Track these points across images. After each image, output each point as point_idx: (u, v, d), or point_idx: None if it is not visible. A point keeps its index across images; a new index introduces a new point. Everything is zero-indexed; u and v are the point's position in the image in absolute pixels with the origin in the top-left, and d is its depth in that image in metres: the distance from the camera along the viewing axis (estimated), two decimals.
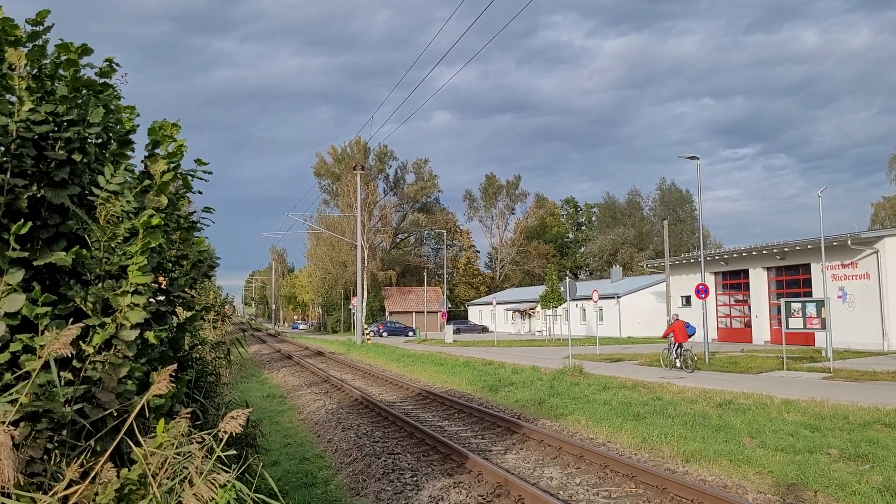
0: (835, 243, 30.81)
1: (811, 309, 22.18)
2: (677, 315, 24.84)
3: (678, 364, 22.39)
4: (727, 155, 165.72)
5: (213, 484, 2.86)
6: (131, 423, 2.93)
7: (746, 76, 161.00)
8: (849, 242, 30.83)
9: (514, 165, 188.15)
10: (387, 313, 77.26)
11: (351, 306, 63.14)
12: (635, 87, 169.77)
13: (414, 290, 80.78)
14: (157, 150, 3.76)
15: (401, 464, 10.29)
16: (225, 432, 3.06)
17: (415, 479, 9.37)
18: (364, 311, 56.65)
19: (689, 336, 22.73)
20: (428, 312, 69.74)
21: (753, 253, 37.26)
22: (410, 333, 62.46)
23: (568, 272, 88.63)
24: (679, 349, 22.66)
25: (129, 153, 3.65)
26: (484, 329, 69.04)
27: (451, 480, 9.16)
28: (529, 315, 64.64)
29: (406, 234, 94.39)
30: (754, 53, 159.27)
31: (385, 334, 63.11)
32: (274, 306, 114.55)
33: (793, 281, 35.63)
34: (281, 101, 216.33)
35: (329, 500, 8.55)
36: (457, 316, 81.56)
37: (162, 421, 3.01)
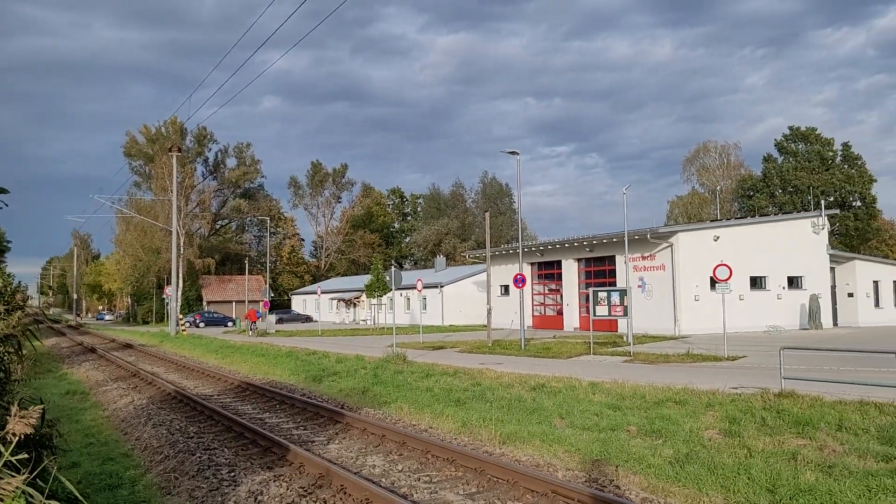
0: (636, 237, 33.49)
1: (615, 297, 23.94)
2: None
3: (250, 333, 40.63)
4: (546, 152, 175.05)
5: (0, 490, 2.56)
6: None
7: (566, 79, 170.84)
8: (648, 237, 33.66)
9: (347, 154, 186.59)
10: (204, 303, 73.85)
11: (165, 296, 59.62)
12: (465, 83, 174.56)
13: (234, 278, 77.83)
14: None
15: (217, 459, 9.87)
16: (14, 434, 2.74)
17: (232, 474, 9.02)
18: (179, 300, 53.73)
19: (259, 318, 42.67)
20: (249, 302, 67.54)
21: (566, 245, 39.64)
22: (230, 324, 60.13)
23: (393, 262, 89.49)
24: (253, 325, 41.39)
25: None
26: (308, 318, 68.01)
27: (272, 474, 8.92)
28: (355, 304, 64.54)
29: (227, 221, 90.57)
30: (573, 59, 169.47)
31: (202, 325, 60.36)
32: (76, 296, 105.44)
33: (600, 271, 38.33)
34: (95, 74, 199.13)
35: (136, 501, 8.01)
36: (280, 305, 79.68)
37: None
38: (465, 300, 51.94)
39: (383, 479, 8.60)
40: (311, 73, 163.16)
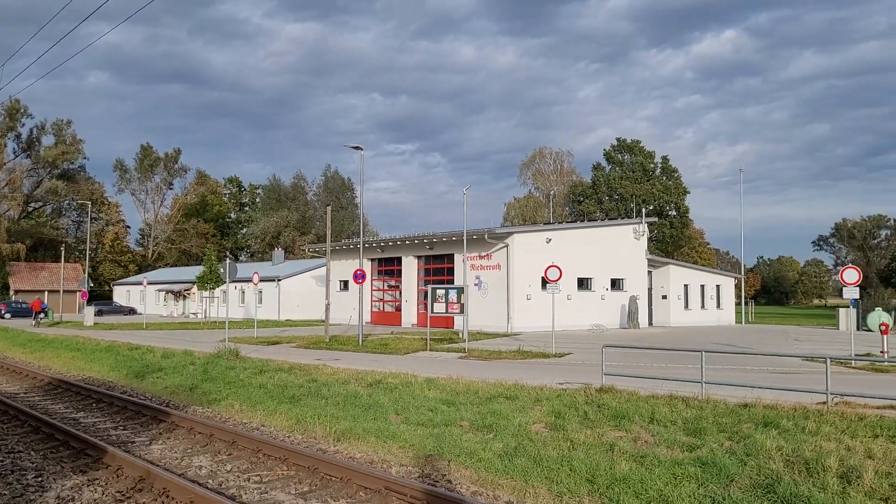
0: (475, 237, 34.43)
1: (453, 295, 24.49)
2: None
3: (33, 323, 40.33)
4: (391, 149, 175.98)
5: None
6: None
7: (413, 78, 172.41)
8: (486, 237, 34.71)
9: (182, 139, 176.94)
10: (11, 292, 67.29)
11: None
12: (311, 73, 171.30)
13: (48, 266, 71.56)
14: None
15: (23, 463, 9.02)
16: None
17: (39, 479, 8.27)
18: None
19: (43, 309, 43.69)
20: (65, 292, 62.35)
21: (407, 242, 40.00)
22: (42, 315, 55.22)
23: (228, 253, 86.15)
24: (37, 315, 41.83)
25: None
26: (132, 311, 63.83)
27: (85, 478, 8.27)
28: (184, 296, 61.45)
29: (41, 204, 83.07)
30: (421, 58, 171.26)
31: (8, 316, 55.01)
32: None
33: (439, 269, 39.03)
34: None
35: None
36: (100, 296, 74.21)
37: None
38: (303, 295, 51.01)
39: (210, 481, 8.23)
40: (145, 50, 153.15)
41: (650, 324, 42.43)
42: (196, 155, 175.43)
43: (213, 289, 45.98)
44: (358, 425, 10.78)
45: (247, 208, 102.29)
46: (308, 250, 55.55)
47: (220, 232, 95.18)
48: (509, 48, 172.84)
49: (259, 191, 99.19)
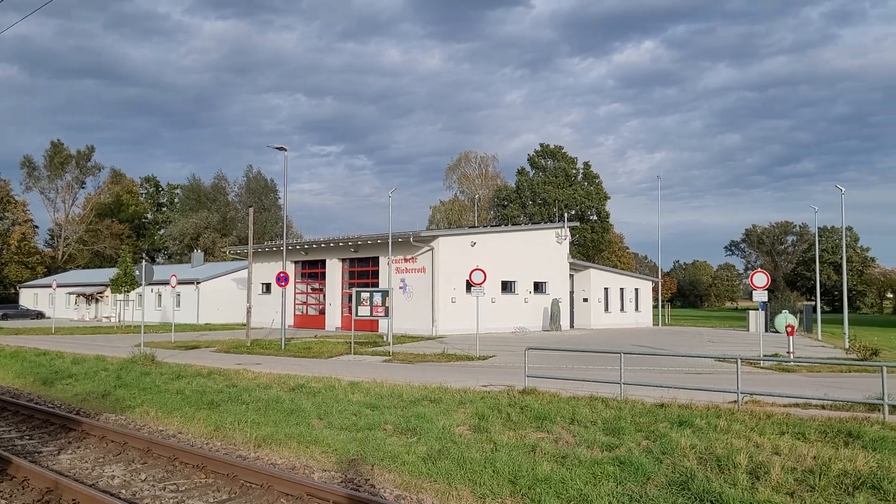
0: (400, 240, 34.38)
1: (377, 298, 24.37)
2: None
3: None
4: (316, 151, 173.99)
5: None
6: None
7: (339, 80, 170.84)
8: (411, 240, 34.70)
9: (97, 136, 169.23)
10: None
11: None
12: (234, 72, 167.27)
13: None
14: None
15: None
16: None
17: None
18: None
19: None
20: None
21: (331, 245, 39.59)
22: None
23: (145, 255, 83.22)
24: None
25: None
26: (39, 315, 60.89)
27: None
28: (97, 300, 59.04)
29: None
30: (347, 60, 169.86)
31: None
32: None
33: (364, 272, 38.79)
34: None
35: None
36: (6, 300, 70.52)
37: None
38: (223, 298, 49.76)
39: (123, 491, 7.92)
40: (56, 43, 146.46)
41: (572, 326, 43.29)
42: (111, 153, 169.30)
43: (128, 292, 44.34)
44: (280, 431, 10.58)
45: (165, 209, 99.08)
46: (229, 252, 54.26)
47: (135, 233, 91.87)
48: (436, 52, 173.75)
49: (178, 191, 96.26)
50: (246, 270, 32.96)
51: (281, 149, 28.62)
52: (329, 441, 9.90)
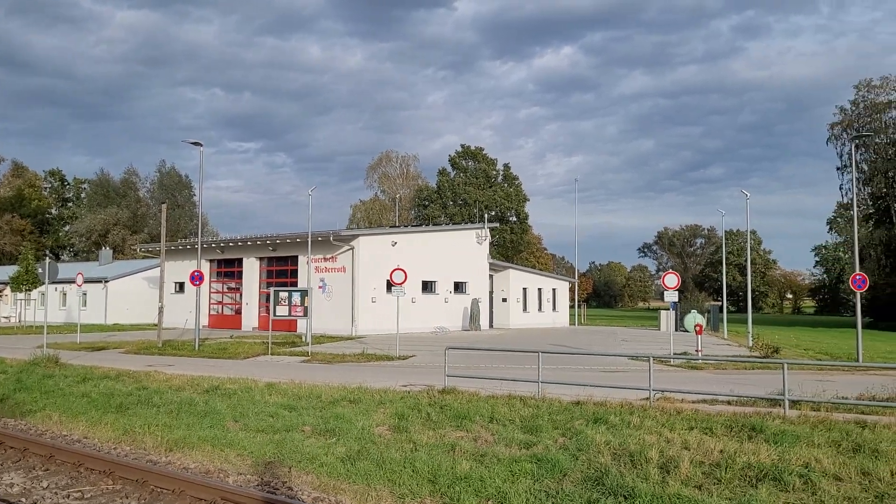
0: (320, 239, 33.95)
1: (296, 298, 23.99)
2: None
3: None
4: (234, 147, 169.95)
5: None
6: None
7: (258, 75, 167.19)
8: (331, 239, 34.32)
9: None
10: None
11: None
12: (148, 64, 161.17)
13: None
14: None
15: None
16: None
17: None
18: None
19: None
20: None
21: (249, 243, 38.73)
22: None
23: (48, 252, 79.30)
24: None
25: None
26: None
27: None
28: None
29: None
30: (266, 55, 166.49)
31: None
32: None
33: (282, 271, 38.12)
34: None
35: None
36: None
37: None
38: (133, 297, 47.92)
39: (23, 499, 7.52)
40: None
41: (491, 326, 43.76)
42: (12, 145, 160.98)
43: (30, 290, 42.15)
44: (193, 434, 10.26)
45: (71, 204, 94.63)
46: (140, 250, 52.35)
47: (38, 229, 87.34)
48: (357, 50, 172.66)
49: (85, 185, 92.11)
50: (158, 269, 31.85)
51: (196, 144, 27.80)
52: (245, 443, 9.68)
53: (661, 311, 46.57)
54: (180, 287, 42.48)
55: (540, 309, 48.81)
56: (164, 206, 30.59)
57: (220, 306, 42.36)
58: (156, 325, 29.10)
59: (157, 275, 34.29)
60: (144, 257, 53.25)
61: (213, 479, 8.16)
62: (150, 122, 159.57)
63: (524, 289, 47.63)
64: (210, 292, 41.69)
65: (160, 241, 29.60)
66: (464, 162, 79.50)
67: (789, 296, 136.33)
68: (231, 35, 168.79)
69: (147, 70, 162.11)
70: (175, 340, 27.88)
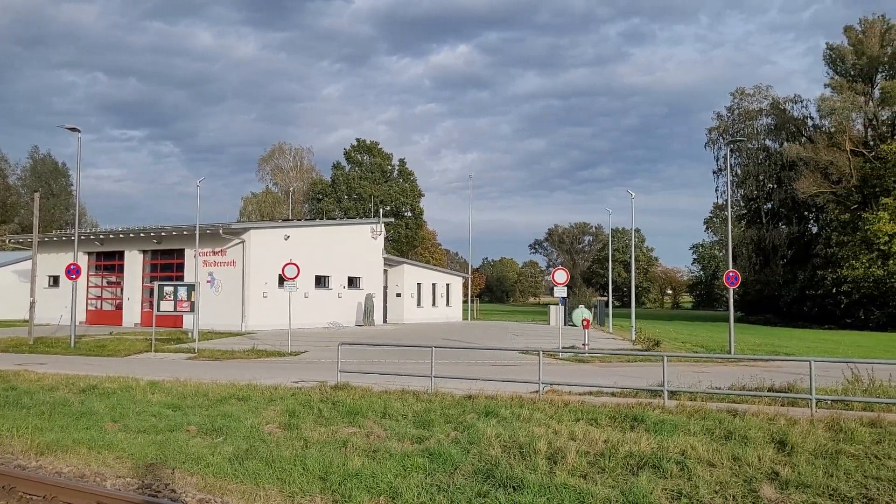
0: (208, 231, 32.81)
1: (182, 293, 23.10)
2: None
3: None
4: (116, 135, 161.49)
5: None
6: None
7: (144, 60, 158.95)
8: (220, 232, 33.25)
9: None
10: None
11: None
12: (21, 44, 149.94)
13: None
14: None
15: None
16: None
17: None
18: None
19: None
20: None
21: (131, 235, 36.93)
22: None
23: None
24: None
25: None
26: None
27: None
28: None
29: None
30: (153, 40, 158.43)
31: None
32: None
33: (168, 265, 36.59)
34: None
35: None
36: None
37: None
38: (1, 292, 44.77)
39: None
40: None
41: (385, 321, 43.69)
42: None
43: None
44: (67, 436, 9.68)
45: None
46: (9, 241, 48.92)
47: None
48: (251, 38, 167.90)
49: None
50: (30, 262, 29.85)
51: (74, 129, 26.20)
52: (124, 445, 9.22)
53: (551, 306, 47.86)
54: (55, 281, 40.02)
55: (434, 304, 49.15)
56: (37, 195, 28.69)
57: (100, 301, 40.21)
58: (27, 322, 27.33)
59: (28, 268, 32.14)
60: (14, 249, 49.81)
61: (89, 484, 7.73)
62: (21, 106, 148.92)
63: (419, 284, 47.82)
64: (88, 286, 39.47)
65: (32, 232, 27.76)
66: (359, 156, 78.90)
67: (669, 291, 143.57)
68: (115, 17, 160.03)
69: (20, 50, 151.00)
70: (48, 337, 26.26)
